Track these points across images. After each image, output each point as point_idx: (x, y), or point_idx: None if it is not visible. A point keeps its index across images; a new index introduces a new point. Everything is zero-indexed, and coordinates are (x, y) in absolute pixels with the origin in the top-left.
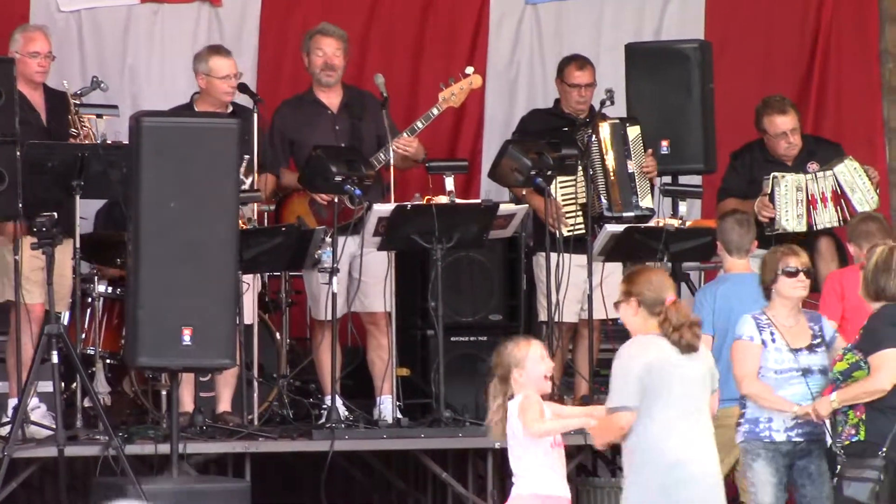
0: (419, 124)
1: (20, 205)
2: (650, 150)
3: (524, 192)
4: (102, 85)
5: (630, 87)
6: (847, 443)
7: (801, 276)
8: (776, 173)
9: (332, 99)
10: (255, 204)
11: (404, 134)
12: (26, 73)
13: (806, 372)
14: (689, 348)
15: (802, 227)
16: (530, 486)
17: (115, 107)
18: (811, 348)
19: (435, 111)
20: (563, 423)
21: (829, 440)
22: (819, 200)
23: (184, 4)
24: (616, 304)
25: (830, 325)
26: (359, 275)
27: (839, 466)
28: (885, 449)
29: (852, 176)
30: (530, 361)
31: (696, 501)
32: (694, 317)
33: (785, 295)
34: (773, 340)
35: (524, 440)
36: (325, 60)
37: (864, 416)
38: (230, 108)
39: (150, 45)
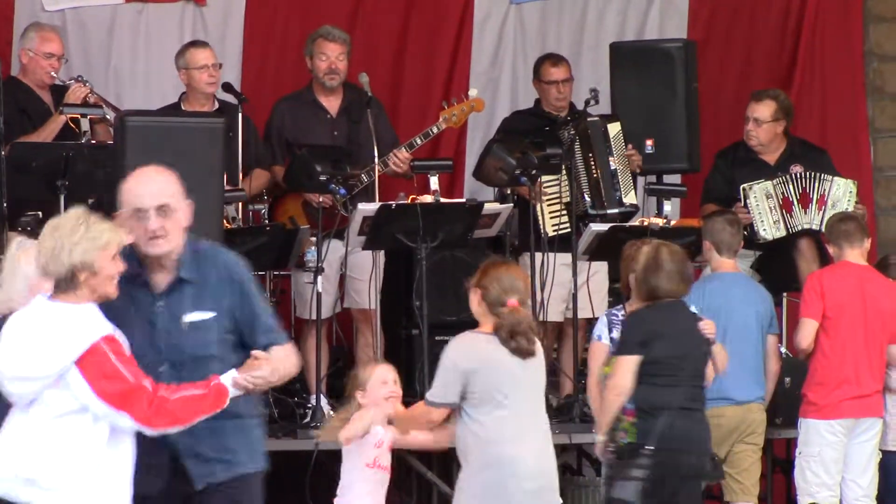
0: (418, 140)
1: (4, 204)
2: (630, 145)
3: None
4: (87, 84)
5: (614, 86)
6: (621, 444)
7: None
8: (744, 185)
9: (332, 102)
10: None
11: (402, 149)
12: (36, 72)
13: None
14: (522, 353)
15: (782, 233)
16: (339, 499)
17: (100, 106)
18: None
19: (435, 129)
20: (359, 426)
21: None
22: (796, 202)
23: (168, 4)
24: (466, 289)
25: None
26: (345, 270)
27: (605, 471)
28: (651, 448)
29: (843, 195)
30: (371, 385)
31: (529, 502)
32: (530, 323)
33: None
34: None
35: (346, 453)
36: (329, 65)
37: (634, 420)
38: (217, 105)
39: (134, 44)
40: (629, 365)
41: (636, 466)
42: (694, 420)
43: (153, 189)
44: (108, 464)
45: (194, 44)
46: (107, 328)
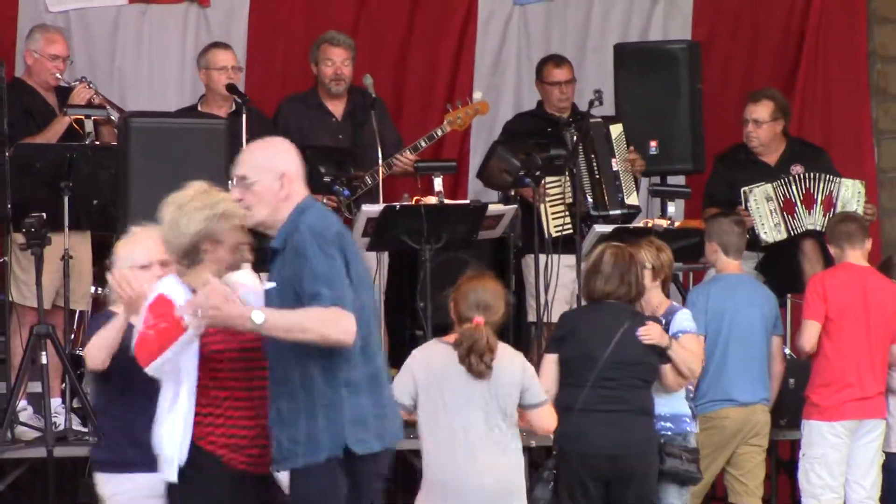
0: (422, 143)
1: (9, 206)
2: (632, 147)
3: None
4: (91, 85)
5: (618, 87)
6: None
7: None
8: (745, 188)
9: (337, 106)
10: None
11: (407, 151)
12: (41, 73)
13: None
14: (474, 373)
15: (783, 235)
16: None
17: (104, 107)
18: None
19: (439, 132)
20: None
21: None
22: (799, 203)
23: (172, 5)
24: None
25: (683, 319)
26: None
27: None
28: (556, 449)
29: (852, 196)
30: None
31: None
32: (488, 344)
33: None
34: None
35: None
36: (335, 71)
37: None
38: (234, 107)
39: (138, 45)
40: (546, 363)
41: (546, 468)
42: (605, 423)
43: (238, 159)
44: (171, 422)
45: (217, 45)
46: (154, 292)
